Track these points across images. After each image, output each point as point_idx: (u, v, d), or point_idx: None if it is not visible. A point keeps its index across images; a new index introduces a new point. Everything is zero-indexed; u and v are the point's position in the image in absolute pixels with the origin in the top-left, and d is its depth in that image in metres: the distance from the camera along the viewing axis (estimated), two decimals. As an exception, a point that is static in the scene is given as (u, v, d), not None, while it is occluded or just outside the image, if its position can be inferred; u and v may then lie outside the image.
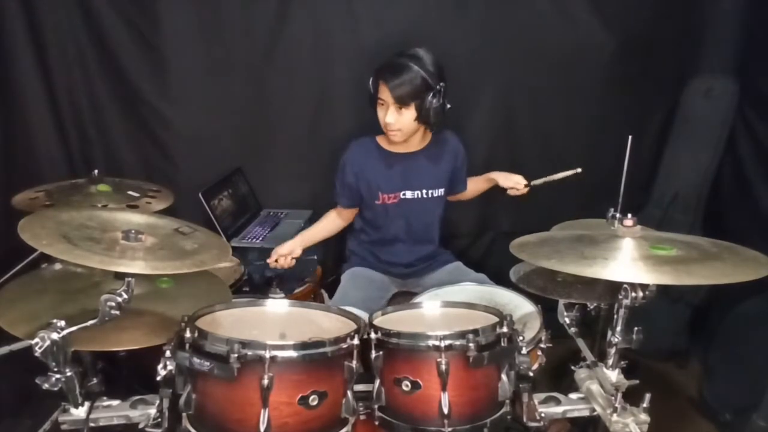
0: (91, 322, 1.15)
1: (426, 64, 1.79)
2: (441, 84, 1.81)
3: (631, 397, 1.30)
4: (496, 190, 2.11)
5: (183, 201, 2.00)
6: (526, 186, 2.01)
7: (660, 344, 2.45)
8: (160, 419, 1.19)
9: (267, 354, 1.07)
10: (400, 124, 1.83)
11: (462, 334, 1.17)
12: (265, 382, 1.06)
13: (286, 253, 1.91)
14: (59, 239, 1.15)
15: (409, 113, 1.82)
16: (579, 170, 1.92)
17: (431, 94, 1.79)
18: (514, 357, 1.23)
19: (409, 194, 1.99)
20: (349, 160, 1.98)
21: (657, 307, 1.97)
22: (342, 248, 2.25)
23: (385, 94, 1.80)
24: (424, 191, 2.00)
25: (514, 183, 2.02)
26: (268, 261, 1.91)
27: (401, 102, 1.79)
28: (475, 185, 2.17)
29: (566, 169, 1.95)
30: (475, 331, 1.18)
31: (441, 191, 2.03)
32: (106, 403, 1.30)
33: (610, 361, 1.35)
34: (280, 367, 1.09)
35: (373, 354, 1.22)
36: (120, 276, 1.16)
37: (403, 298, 1.99)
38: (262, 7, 2.19)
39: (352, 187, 1.98)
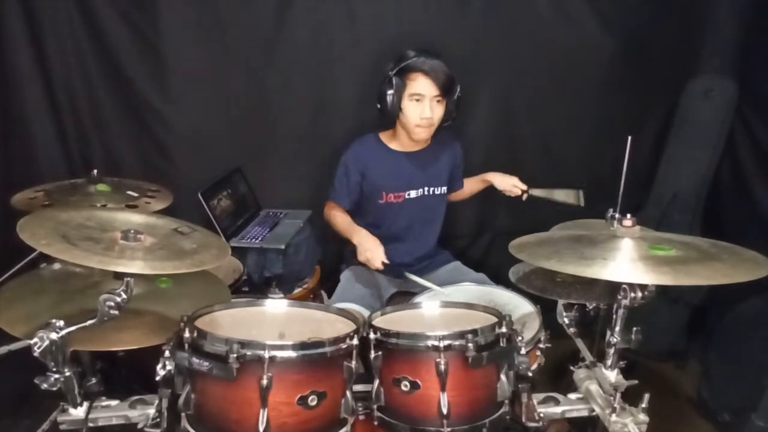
0: (90, 322, 1.15)
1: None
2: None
3: (630, 397, 1.31)
4: (495, 190, 2.11)
5: (182, 201, 2.00)
6: (523, 192, 2.00)
7: (659, 344, 2.46)
8: (159, 419, 1.19)
9: (266, 354, 1.07)
10: (436, 117, 1.85)
11: (461, 335, 1.17)
12: (264, 382, 1.06)
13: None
14: (58, 239, 1.15)
15: (442, 107, 1.85)
16: (582, 204, 1.91)
17: (457, 88, 1.85)
18: (513, 357, 1.23)
19: (413, 193, 1.99)
20: (352, 158, 1.97)
21: (656, 308, 1.97)
22: (341, 248, 2.25)
23: (424, 87, 1.80)
24: (428, 189, 2.00)
25: (510, 186, 2.01)
26: (379, 267, 1.78)
27: (446, 90, 1.81)
28: (471, 185, 2.18)
29: (569, 195, 1.94)
30: (474, 332, 1.18)
31: (443, 189, 2.04)
32: (105, 403, 1.30)
33: (609, 362, 1.35)
34: (279, 367, 1.09)
35: (373, 354, 1.22)
36: (119, 276, 1.16)
37: (403, 298, 1.99)
38: (262, 7, 2.19)
39: (356, 186, 1.98)
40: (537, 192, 1.99)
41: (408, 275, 1.88)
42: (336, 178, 2.01)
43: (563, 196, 1.94)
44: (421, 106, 1.82)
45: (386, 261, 1.78)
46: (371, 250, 1.78)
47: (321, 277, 2.30)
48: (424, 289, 1.80)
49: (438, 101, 1.83)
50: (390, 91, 1.83)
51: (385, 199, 1.98)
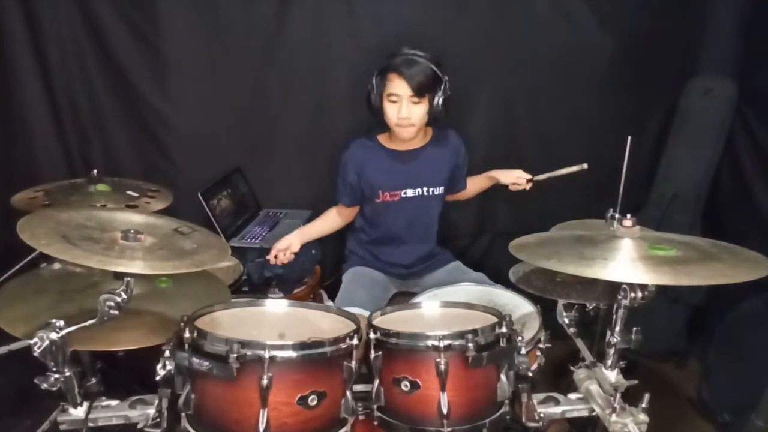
0: (90, 322, 1.15)
1: (430, 58, 1.82)
2: (445, 77, 1.84)
3: (630, 397, 1.31)
4: (497, 189, 2.11)
5: (182, 201, 2.00)
6: (528, 181, 2.00)
7: (659, 344, 2.46)
8: (159, 419, 1.19)
9: (266, 354, 1.07)
10: (414, 118, 1.83)
11: (461, 334, 1.17)
12: (264, 382, 1.06)
13: (284, 248, 1.92)
14: (58, 239, 1.15)
15: (422, 107, 1.84)
16: (585, 166, 1.91)
17: (441, 86, 1.83)
18: (513, 357, 1.23)
19: (410, 192, 1.99)
20: (350, 159, 1.98)
21: (656, 308, 1.97)
22: (341, 248, 2.25)
23: (400, 87, 1.80)
24: (425, 189, 2.00)
25: (515, 179, 2.02)
26: (268, 258, 1.92)
27: (420, 92, 1.80)
28: (475, 184, 2.17)
29: (571, 165, 1.94)
30: (474, 332, 1.18)
31: (441, 189, 2.03)
32: (105, 403, 1.30)
33: (609, 362, 1.35)
34: (279, 367, 1.09)
35: (373, 354, 1.22)
36: (119, 276, 1.16)
37: (403, 298, 1.99)
38: (262, 7, 2.19)
39: (354, 185, 1.99)
40: (541, 177, 1.99)
41: None
42: (338, 177, 2.03)
43: (567, 170, 1.95)
44: (398, 106, 1.82)
45: (275, 259, 1.93)
46: (278, 246, 1.93)
47: (321, 277, 2.30)
48: (427, 288, 1.81)
49: (414, 102, 1.82)
50: (373, 90, 1.85)
51: (381, 198, 1.98)
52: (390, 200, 1.98)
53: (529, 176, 2.00)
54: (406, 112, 1.81)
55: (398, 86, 1.80)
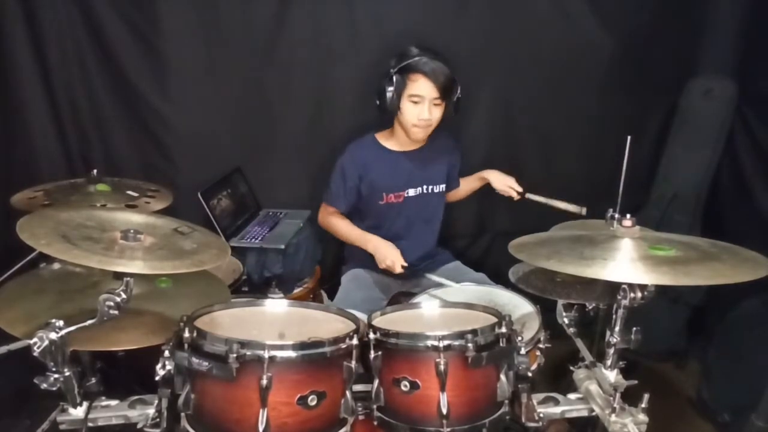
0: (89, 321, 1.15)
1: (444, 60, 1.83)
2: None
3: (630, 397, 1.31)
4: (493, 189, 2.11)
5: (182, 201, 2.00)
6: (519, 195, 2.00)
7: (659, 344, 2.46)
8: (158, 419, 1.19)
9: (266, 354, 1.07)
10: (434, 119, 1.86)
11: (461, 335, 1.17)
12: (264, 382, 1.06)
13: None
14: (58, 239, 1.15)
15: (441, 108, 1.86)
16: (584, 211, 1.89)
17: (457, 89, 1.86)
18: (512, 357, 1.23)
19: (412, 192, 2.00)
20: (350, 161, 1.98)
21: (656, 308, 1.97)
22: (341, 249, 2.25)
23: (424, 88, 1.80)
24: (427, 187, 2.01)
25: (506, 187, 2.02)
26: (400, 271, 1.83)
27: (444, 94, 1.81)
28: (468, 184, 2.18)
29: (570, 206, 1.92)
30: (474, 332, 1.18)
31: (442, 187, 2.04)
32: (104, 403, 1.30)
33: (609, 362, 1.35)
34: (278, 367, 1.09)
35: (372, 354, 1.22)
36: (119, 276, 1.16)
37: (403, 298, 1.99)
38: (262, 7, 2.19)
39: (353, 189, 1.98)
40: (535, 197, 1.98)
41: (428, 276, 1.92)
42: (332, 181, 2.01)
43: (563, 205, 1.93)
44: (420, 107, 1.82)
45: (405, 264, 1.81)
46: (390, 257, 1.82)
47: (321, 277, 2.30)
48: (427, 288, 1.81)
49: (437, 104, 1.83)
50: (390, 89, 1.83)
51: (385, 200, 1.98)
52: (394, 201, 1.98)
53: (520, 189, 1.99)
54: (427, 113, 1.82)
55: (423, 87, 1.80)
